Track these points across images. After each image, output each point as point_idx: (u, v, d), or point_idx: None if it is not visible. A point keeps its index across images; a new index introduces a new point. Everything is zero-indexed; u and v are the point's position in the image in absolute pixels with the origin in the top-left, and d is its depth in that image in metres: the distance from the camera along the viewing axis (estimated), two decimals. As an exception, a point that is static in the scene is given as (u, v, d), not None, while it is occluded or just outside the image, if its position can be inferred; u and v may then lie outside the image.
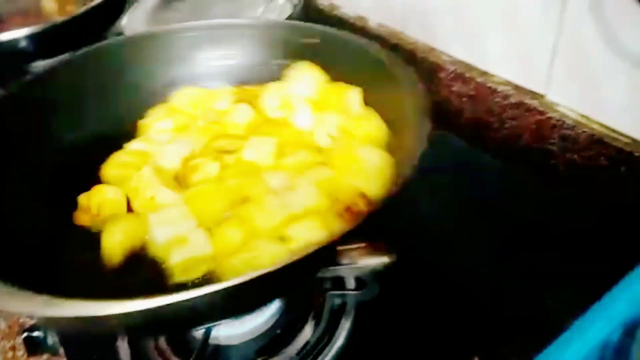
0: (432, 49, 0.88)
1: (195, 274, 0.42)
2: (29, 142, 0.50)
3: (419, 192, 0.62)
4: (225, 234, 0.43)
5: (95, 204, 0.47)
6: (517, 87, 0.77)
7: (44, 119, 0.51)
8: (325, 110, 0.53)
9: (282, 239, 0.42)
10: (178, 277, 0.41)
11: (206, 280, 0.42)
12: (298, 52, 0.56)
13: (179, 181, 0.49)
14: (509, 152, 0.80)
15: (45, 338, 0.54)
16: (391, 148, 0.49)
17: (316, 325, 0.50)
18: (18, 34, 0.74)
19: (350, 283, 0.52)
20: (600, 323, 0.36)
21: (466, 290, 0.54)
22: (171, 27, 0.60)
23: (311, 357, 0.46)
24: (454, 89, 0.85)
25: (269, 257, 0.41)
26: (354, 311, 0.50)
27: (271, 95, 0.56)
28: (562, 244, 0.61)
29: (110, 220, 0.47)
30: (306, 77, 0.55)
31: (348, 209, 0.43)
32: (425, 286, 0.54)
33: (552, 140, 0.74)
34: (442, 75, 0.86)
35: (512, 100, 0.76)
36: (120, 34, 0.80)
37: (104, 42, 0.57)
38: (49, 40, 0.78)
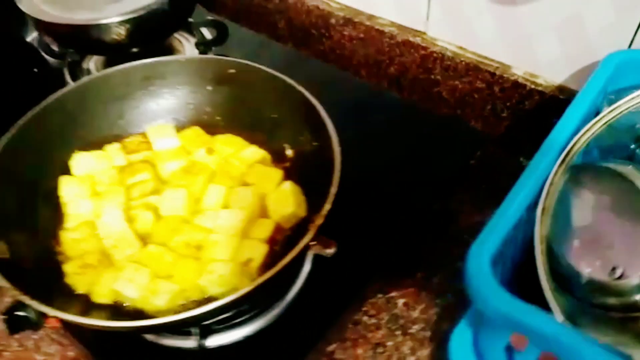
0: (320, -4, 0.96)
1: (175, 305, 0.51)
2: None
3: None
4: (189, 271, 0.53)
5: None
6: (401, 27, 0.88)
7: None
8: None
9: (245, 263, 0.52)
10: (167, 313, 0.48)
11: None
12: (222, 79, 0.66)
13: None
14: (399, 85, 0.93)
15: (27, 316, 0.58)
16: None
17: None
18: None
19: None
20: (512, 209, 0.50)
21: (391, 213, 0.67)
22: (118, 67, 0.65)
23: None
24: (345, 33, 0.94)
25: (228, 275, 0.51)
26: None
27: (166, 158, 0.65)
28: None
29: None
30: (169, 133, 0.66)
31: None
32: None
33: (435, 71, 0.88)
34: (332, 21, 0.95)
35: (398, 39, 0.88)
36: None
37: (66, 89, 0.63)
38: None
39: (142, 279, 0.50)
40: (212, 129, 0.66)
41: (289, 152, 0.63)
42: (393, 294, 0.68)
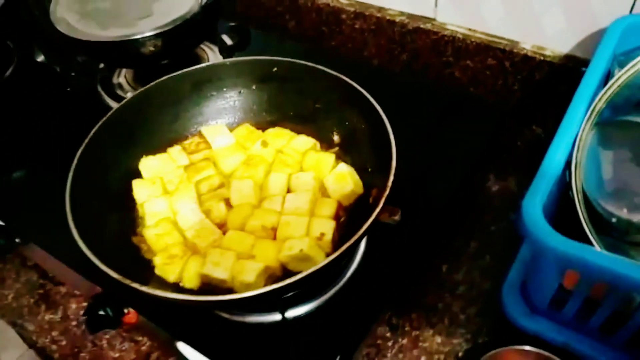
0: (329, -6, 1.01)
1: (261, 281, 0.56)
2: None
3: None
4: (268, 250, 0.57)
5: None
6: (411, 16, 0.93)
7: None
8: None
9: (319, 238, 0.58)
10: (255, 287, 0.52)
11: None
12: (266, 77, 0.72)
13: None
14: (411, 70, 0.99)
15: (106, 315, 0.63)
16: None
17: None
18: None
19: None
20: (554, 164, 0.56)
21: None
22: (170, 75, 0.70)
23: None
24: (357, 26, 1.00)
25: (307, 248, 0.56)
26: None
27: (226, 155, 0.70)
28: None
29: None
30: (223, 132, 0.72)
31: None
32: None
33: (447, 53, 0.93)
34: (343, 16, 1.00)
35: (409, 27, 0.93)
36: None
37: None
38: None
39: (228, 261, 0.55)
40: (260, 125, 0.71)
41: (336, 138, 0.68)
42: (435, 261, 0.74)
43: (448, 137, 0.79)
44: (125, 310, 0.69)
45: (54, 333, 0.75)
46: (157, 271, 0.57)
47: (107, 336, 0.73)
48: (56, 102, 0.92)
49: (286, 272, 0.57)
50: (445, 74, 0.94)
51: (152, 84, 0.67)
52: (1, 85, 0.93)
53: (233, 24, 0.90)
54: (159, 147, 0.68)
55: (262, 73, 0.70)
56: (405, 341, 0.67)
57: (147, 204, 0.62)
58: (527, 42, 0.84)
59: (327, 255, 0.55)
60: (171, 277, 0.56)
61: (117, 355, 0.72)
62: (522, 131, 0.90)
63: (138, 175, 0.67)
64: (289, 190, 0.63)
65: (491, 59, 0.88)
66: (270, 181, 0.62)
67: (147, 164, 0.66)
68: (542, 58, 0.83)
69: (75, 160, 0.59)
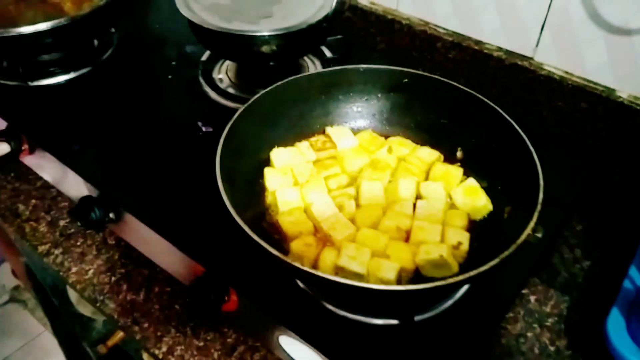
0: (427, 23, 1.05)
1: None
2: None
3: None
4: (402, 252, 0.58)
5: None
6: (508, 52, 0.96)
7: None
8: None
9: (456, 247, 0.59)
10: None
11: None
12: (394, 87, 0.74)
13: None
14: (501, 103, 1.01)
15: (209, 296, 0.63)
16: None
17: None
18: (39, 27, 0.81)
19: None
20: None
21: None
22: (305, 74, 0.72)
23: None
24: (450, 56, 1.03)
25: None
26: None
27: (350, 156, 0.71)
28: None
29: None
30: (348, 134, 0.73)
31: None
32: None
33: (539, 93, 0.96)
34: (439, 45, 1.03)
35: (506, 63, 0.96)
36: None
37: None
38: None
39: (364, 256, 0.56)
40: (381, 132, 0.73)
41: (459, 154, 0.70)
42: (524, 291, 0.75)
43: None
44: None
45: (136, 314, 0.75)
46: (291, 257, 0.58)
47: (191, 323, 0.73)
48: (157, 87, 0.94)
49: (416, 277, 0.58)
50: (533, 112, 0.97)
51: (286, 80, 0.69)
52: (100, 66, 0.95)
53: (339, 36, 0.92)
54: (284, 141, 0.70)
55: (391, 82, 0.71)
56: (496, 366, 0.67)
57: (278, 192, 0.63)
58: (624, 91, 0.87)
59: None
60: (307, 264, 0.57)
61: (201, 344, 0.71)
62: (602, 177, 0.92)
63: (265, 164, 0.68)
64: (417, 198, 0.64)
65: (584, 103, 0.90)
66: (399, 186, 0.63)
67: (278, 154, 0.67)
68: (638, 108, 0.85)
69: (221, 141, 0.60)
